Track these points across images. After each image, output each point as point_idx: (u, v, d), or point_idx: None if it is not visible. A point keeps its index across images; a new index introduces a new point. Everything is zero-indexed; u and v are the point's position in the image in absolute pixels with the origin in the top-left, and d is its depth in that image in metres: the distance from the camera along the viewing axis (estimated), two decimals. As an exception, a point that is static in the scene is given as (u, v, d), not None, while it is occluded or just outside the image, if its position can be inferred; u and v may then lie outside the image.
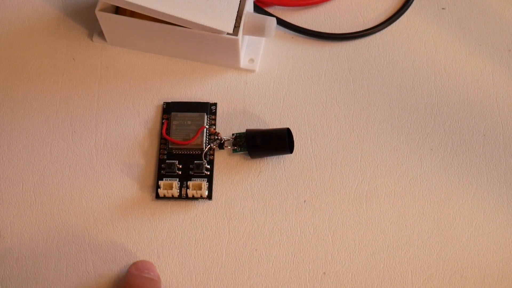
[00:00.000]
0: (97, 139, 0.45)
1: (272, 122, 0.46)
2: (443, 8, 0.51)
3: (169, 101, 0.46)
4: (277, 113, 0.46)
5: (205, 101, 0.46)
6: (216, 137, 0.45)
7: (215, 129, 0.45)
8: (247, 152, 0.44)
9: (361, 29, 0.49)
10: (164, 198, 0.43)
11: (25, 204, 0.43)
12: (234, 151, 0.45)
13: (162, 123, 0.45)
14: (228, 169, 0.44)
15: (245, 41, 0.47)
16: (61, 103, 0.47)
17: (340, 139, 0.46)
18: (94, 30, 0.49)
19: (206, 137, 0.45)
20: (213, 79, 0.47)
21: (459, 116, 0.47)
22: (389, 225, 0.43)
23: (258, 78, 0.48)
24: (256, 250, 0.42)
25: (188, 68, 0.48)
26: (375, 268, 0.42)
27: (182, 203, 0.44)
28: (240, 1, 0.45)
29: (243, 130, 0.45)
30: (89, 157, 0.45)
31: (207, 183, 0.43)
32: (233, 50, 0.46)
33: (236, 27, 0.44)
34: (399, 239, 0.43)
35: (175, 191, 0.43)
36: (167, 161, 0.44)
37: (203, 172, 0.44)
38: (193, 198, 0.43)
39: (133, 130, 0.46)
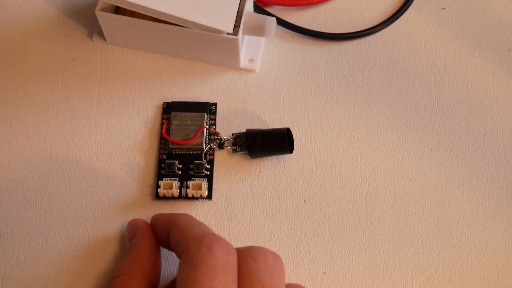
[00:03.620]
0: (97, 139, 0.45)
1: (272, 122, 0.46)
2: (443, 8, 0.51)
3: (169, 101, 0.46)
4: (277, 113, 0.46)
5: (205, 101, 0.46)
6: (216, 137, 0.45)
7: (215, 129, 0.45)
8: (247, 152, 0.44)
9: (361, 29, 0.49)
10: (164, 198, 0.43)
11: (25, 204, 0.43)
12: (234, 151, 0.45)
13: (162, 123, 0.45)
14: (228, 169, 0.44)
15: (245, 41, 0.47)
16: (61, 103, 0.47)
17: (340, 139, 0.46)
18: (94, 30, 0.49)
19: (206, 137, 0.45)
20: (213, 79, 0.47)
21: (459, 116, 0.47)
22: (389, 225, 0.43)
23: (258, 78, 0.48)
24: (256, 250, 0.42)
25: (188, 68, 0.48)
26: (375, 268, 0.42)
27: (182, 203, 0.44)
28: (240, 1, 0.45)
29: (243, 130, 0.45)
30: (89, 157, 0.45)
31: (207, 183, 0.43)
32: (233, 50, 0.46)
33: (236, 27, 0.44)
34: (399, 239, 0.43)
35: (175, 191, 0.43)
36: (167, 161, 0.44)
37: (203, 172, 0.44)
38: (193, 198, 0.43)
39: (133, 130, 0.46)
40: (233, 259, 0.34)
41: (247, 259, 0.35)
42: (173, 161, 0.44)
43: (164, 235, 0.38)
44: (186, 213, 0.41)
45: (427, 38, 0.49)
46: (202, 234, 0.35)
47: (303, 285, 0.40)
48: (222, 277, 0.33)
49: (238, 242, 0.42)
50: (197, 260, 0.34)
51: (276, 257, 0.36)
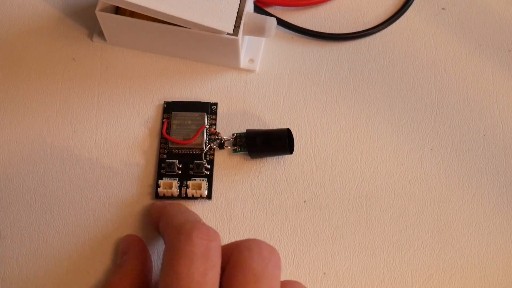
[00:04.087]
0: (97, 139, 0.45)
1: (272, 122, 0.46)
2: (443, 8, 0.51)
3: (169, 101, 0.46)
4: (277, 113, 0.46)
5: (206, 101, 0.46)
6: (216, 137, 0.45)
7: (215, 129, 0.45)
8: (247, 152, 0.44)
9: (361, 29, 0.49)
10: (164, 197, 0.43)
11: (25, 204, 0.43)
12: (234, 151, 0.45)
13: (163, 122, 0.45)
14: (228, 169, 0.44)
15: (245, 41, 0.47)
16: (61, 103, 0.47)
17: (340, 139, 0.46)
18: (94, 30, 0.49)
19: (206, 137, 0.45)
20: (213, 79, 0.47)
21: (459, 116, 0.47)
22: (389, 225, 0.43)
23: (258, 78, 0.48)
24: (256, 250, 0.42)
25: (188, 68, 0.48)
26: (375, 268, 0.42)
27: (182, 203, 0.43)
28: (240, 1, 0.45)
29: (243, 130, 0.45)
30: (89, 157, 0.45)
31: (207, 183, 0.43)
32: (233, 50, 0.46)
33: (236, 27, 0.44)
34: (399, 239, 0.43)
35: (175, 191, 0.43)
36: (167, 160, 0.44)
37: (203, 172, 0.44)
38: (193, 197, 0.43)
39: (133, 130, 0.46)
40: (215, 244, 0.35)
41: (241, 249, 0.35)
42: (173, 160, 0.44)
43: (157, 223, 0.39)
44: (180, 203, 0.42)
45: (427, 38, 0.49)
46: (183, 223, 0.36)
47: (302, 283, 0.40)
48: (200, 263, 0.33)
49: (238, 242, 0.42)
50: (176, 249, 0.34)
51: (272, 250, 0.36)
